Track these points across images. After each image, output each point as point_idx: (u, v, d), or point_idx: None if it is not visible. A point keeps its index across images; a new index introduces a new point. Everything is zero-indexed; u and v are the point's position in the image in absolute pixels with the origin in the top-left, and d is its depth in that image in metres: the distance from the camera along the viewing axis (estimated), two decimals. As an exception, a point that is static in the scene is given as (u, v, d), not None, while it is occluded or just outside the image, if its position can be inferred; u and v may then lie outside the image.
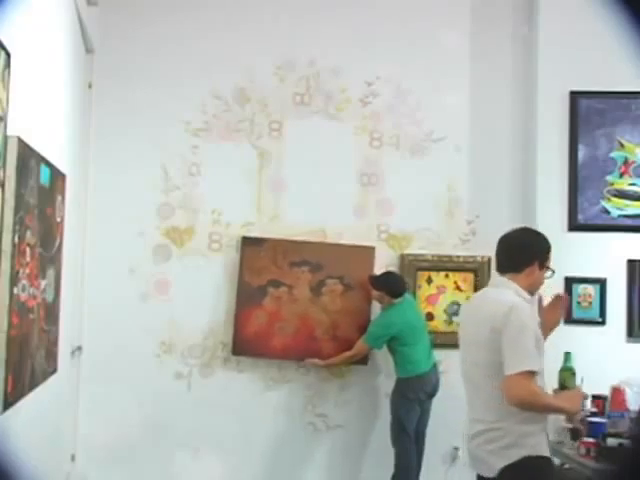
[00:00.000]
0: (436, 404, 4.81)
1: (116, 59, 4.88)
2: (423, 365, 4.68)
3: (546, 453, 2.87)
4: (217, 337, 4.92)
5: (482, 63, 5.13)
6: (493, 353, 2.81)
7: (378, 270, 4.90)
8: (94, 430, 4.79)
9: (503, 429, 2.83)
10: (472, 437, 2.95)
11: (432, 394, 4.73)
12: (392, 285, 4.76)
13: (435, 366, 4.76)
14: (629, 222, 4.88)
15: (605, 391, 4.11)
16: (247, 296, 4.86)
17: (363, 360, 4.88)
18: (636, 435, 2.62)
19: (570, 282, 4.82)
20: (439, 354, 4.92)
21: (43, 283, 3.31)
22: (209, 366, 4.93)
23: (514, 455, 2.81)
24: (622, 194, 4.89)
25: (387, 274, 4.83)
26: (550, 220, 4.85)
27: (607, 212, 4.87)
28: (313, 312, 4.89)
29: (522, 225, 3.29)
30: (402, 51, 5.05)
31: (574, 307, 4.82)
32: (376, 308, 4.90)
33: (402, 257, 5.03)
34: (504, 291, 2.93)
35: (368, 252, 4.94)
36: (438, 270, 5.06)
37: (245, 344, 4.86)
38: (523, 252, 2.98)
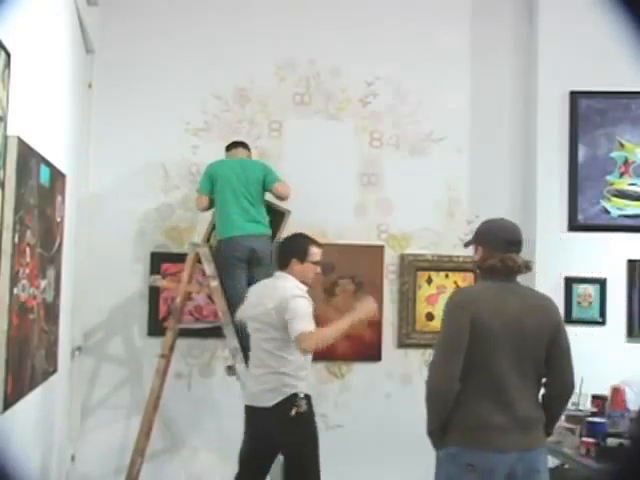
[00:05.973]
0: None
1: (116, 59, 4.88)
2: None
3: None
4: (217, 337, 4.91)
5: (482, 63, 5.14)
6: None
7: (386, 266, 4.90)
8: (94, 430, 4.80)
9: None
10: None
11: (245, 260, 4.45)
12: None
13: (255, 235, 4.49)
14: (629, 222, 4.88)
15: (605, 391, 4.10)
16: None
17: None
18: (636, 435, 2.61)
19: (570, 282, 4.83)
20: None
21: (43, 283, 3.31)
22: (209, 366, 4.94)
23: None
24: (622, 194, 4.89)
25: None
26: (550, 220, 4.87)
27: (607, 212, 4.88)
28: (327, 312, 4.88)
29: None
30: (402, 51, 5.06)
31: (574, 307, 4.83)
32: (388, 306, 4.93)
33: (402, 257, 5.03)
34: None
35: (377, 251, 5.00)
36: (438, 270, 5.06)
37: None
38: None
